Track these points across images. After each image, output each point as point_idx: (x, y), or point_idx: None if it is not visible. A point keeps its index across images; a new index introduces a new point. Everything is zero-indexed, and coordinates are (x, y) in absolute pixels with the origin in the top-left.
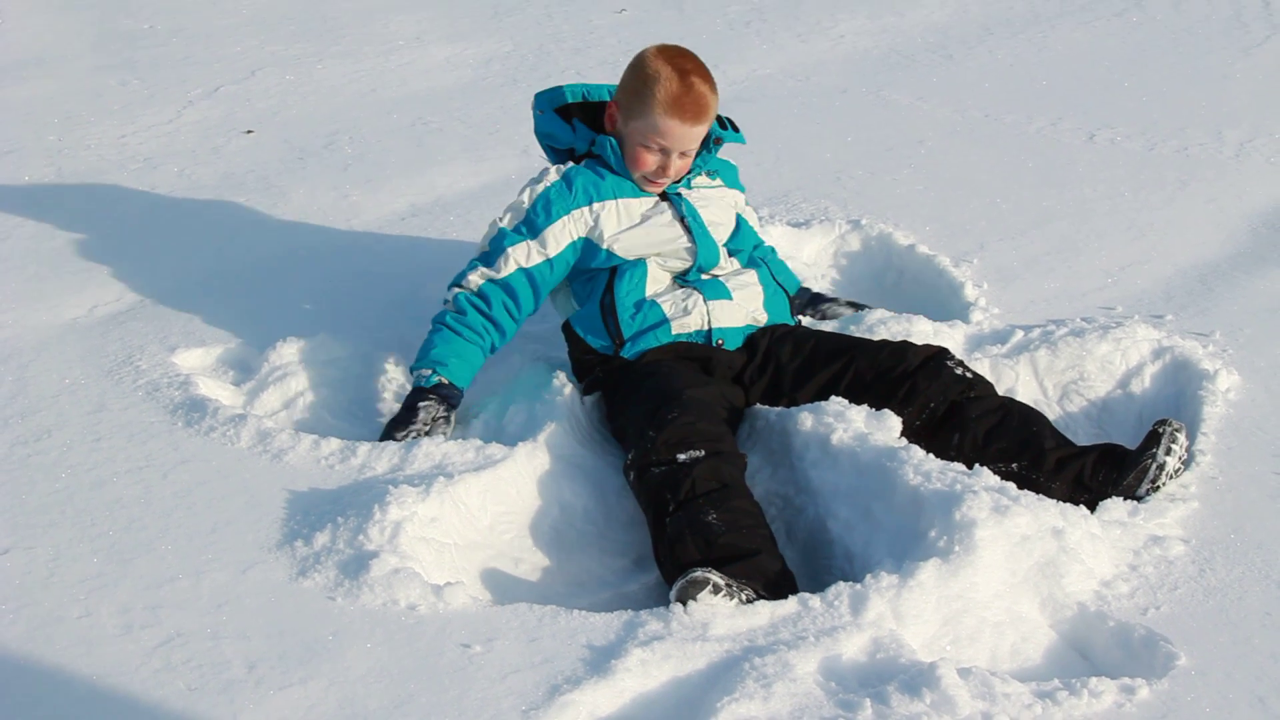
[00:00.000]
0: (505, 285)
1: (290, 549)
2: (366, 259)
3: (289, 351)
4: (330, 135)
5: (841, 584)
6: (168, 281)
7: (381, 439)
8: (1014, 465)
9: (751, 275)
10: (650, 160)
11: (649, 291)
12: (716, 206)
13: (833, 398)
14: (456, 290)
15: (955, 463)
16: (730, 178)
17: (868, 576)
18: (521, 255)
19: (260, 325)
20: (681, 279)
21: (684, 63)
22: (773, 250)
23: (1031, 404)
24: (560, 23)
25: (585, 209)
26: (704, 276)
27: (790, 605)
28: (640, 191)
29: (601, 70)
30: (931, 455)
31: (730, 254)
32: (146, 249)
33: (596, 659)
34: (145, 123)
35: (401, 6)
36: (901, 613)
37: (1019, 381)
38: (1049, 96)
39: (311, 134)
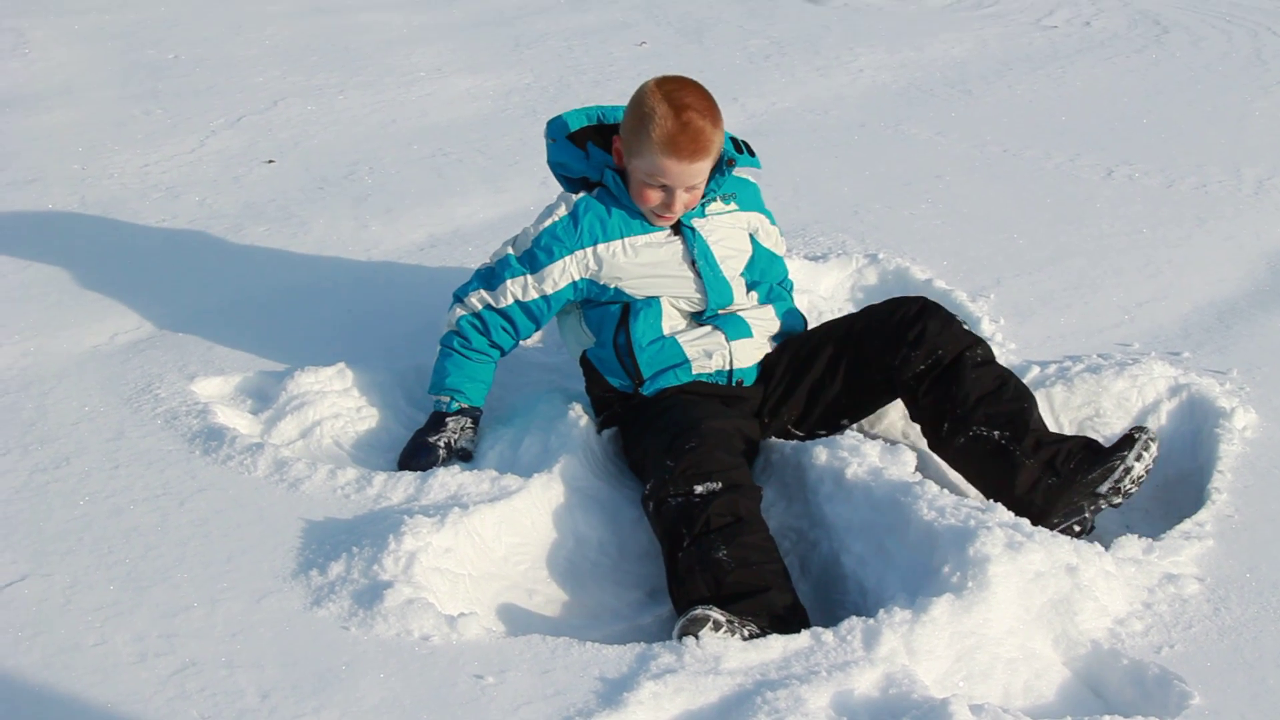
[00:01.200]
0: (503, 314)
1: (305, 578)
2: (385, 290)
3: (307, 381)
4: (351, 165)
5: (854, 618)
6: (188, 310)
7: (400, 461)
8: (995, 433)
9: (769, 310)
10: (654, 197)
11: (666, 329)
12: (730, 234)
13: (847, 432)
14: (459, 311)
15: (967, 500)
16: (747, 199)
17: (881, 611)
18: (518, 289)
19: (279, 355)
20: (698, 316)
21: (682, 96)
22: (791, 285)
23: None
24: (580, 55)
25: (589, 250)
26: (721, 313)
27: (803, 639)
28: (650, 226)
29: (621, 102)
30: (945, 492)
31: (750, 286)
32: (167, 278)
33: (609, 691)
34: (168, 152)
35: (423, 38)
36: (914, 648)
37: None
38: (1067, 132)
39: (332, 164)
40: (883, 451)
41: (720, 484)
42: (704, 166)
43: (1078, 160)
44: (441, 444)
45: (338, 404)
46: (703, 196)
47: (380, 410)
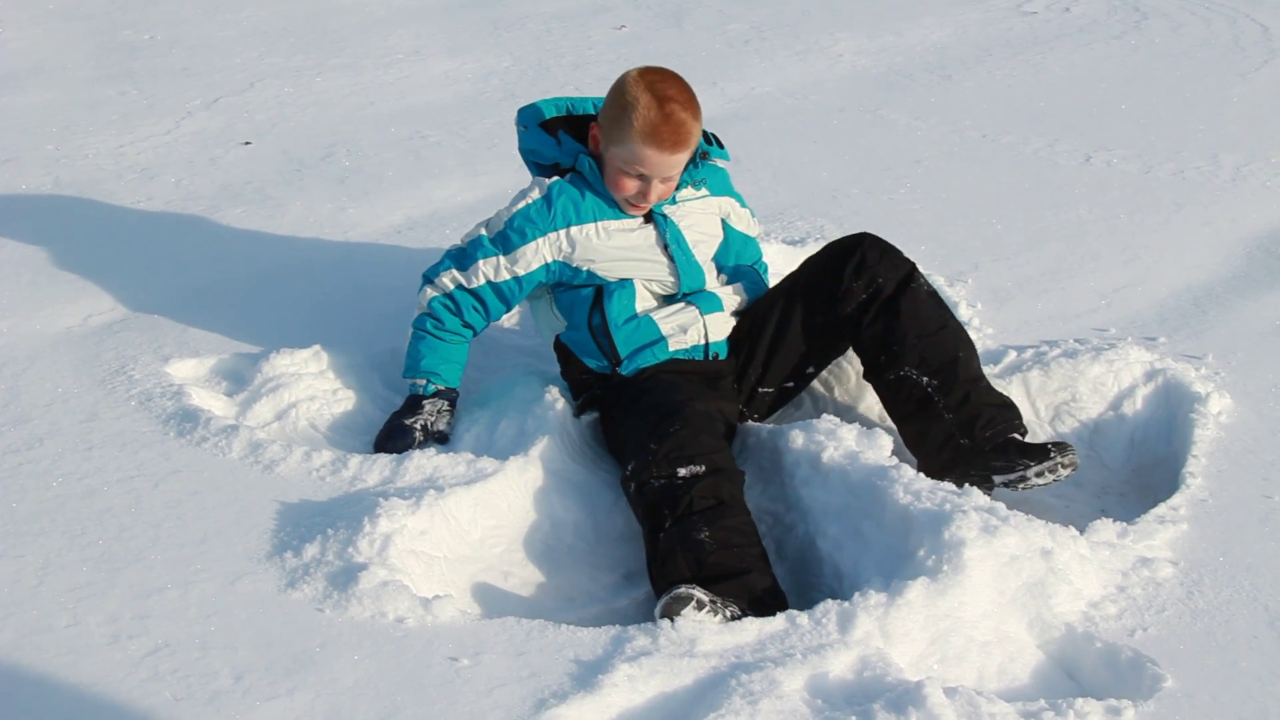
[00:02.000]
0: (474, 294)
1: (280, 560)
2: (362, 272)
3: (282, 363)
4: (328, 148)
5: (830, 602)
6: (163, 292)
7: (377, 444)
8: (924, 380)
9: (738, 287)
10: (630, 185)
11: (639, 309)
12: (701, 220)
13: (824, 416)
14: (430, 292)
15: (944, 483)
16: (717, 184)
17: (856, 595)
18: (490, 270)
19: (254, 336)
20: (670, 299)
21: (665, 88)
22: (765, 268)
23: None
24: (559, 38)
25: (562, 233)
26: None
27: (778, 622)
28: (622, 213)
29: (600, 86)
30: (921, 475)
31: (723, 270)
32: (142, 259)
33: (584, 674)
34: (143, 133)
35: (401, 20)
36: (889, 631)
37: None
38: (1046, 118)
39: (309, 146)
40: (859, 435)
41: (703, 467)
42: (683, 158)
43: (1056, 146)
44: (418, 426)
45: (313, 386)
46: (676, 187)
47: (356, 393)
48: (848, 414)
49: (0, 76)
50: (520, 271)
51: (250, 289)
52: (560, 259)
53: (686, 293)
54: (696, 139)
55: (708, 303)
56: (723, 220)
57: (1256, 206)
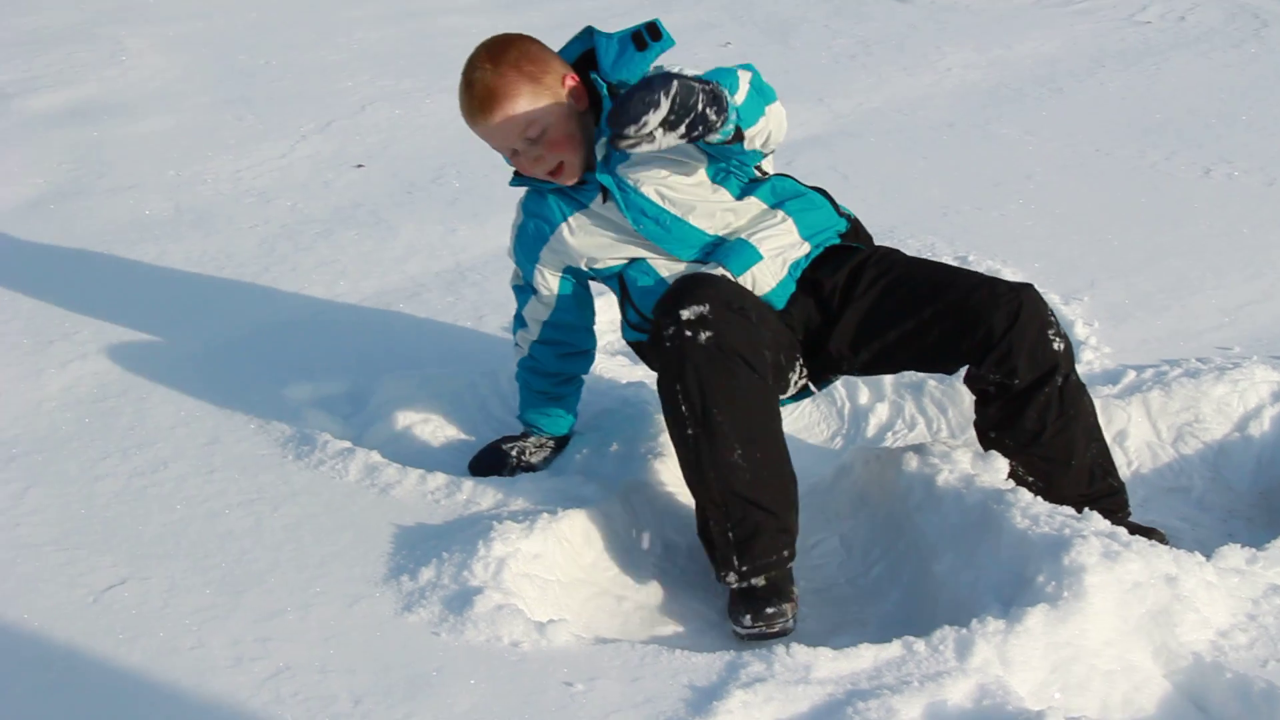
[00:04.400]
0: (544, 340)
1: (396, 583)
2: (473, 293)
3: (397, 385)
4: (438, 170)
5: (947, 628)
6: (279, 315)
7: (473, 460)
8: (1030, 479)
9: (777, 215)
10: (516, 164)
11: (665, 274)
12: (661, 160)
13: (936, 440)
14: (517, 353)
15: (1062, 506)
16: None
17: (974, 621)
18: (533, 313)
19: (368, 359)
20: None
21: (476, 55)
22: (792, 184)
23: (1145, 446)
24: (668, 55)
25: (545, 247)
26: (725, 239)
27: (895, 649)
28: (575, 199)
29: None
30: (1039, 499)
31: (734, 184)
32: (259, 283)
33: (698, 700)
34: (259, 157)
35: None
36: (1009, 659)
37: (1131, 423)
38: (1162, 130)
39: (420, 168)
40: (974, 458)
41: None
42: (512, 117)
43: (1173, 159)
44: (514, 453)
45: (428, 408)
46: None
47: (469, 414)
48: (962, 434)
49: (123, 104)
50: (551, 298)
51: (364, 311)
52: (565, 268)
53: (696, 259)
54: (522, 93)
55: (739, 258)
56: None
57: None
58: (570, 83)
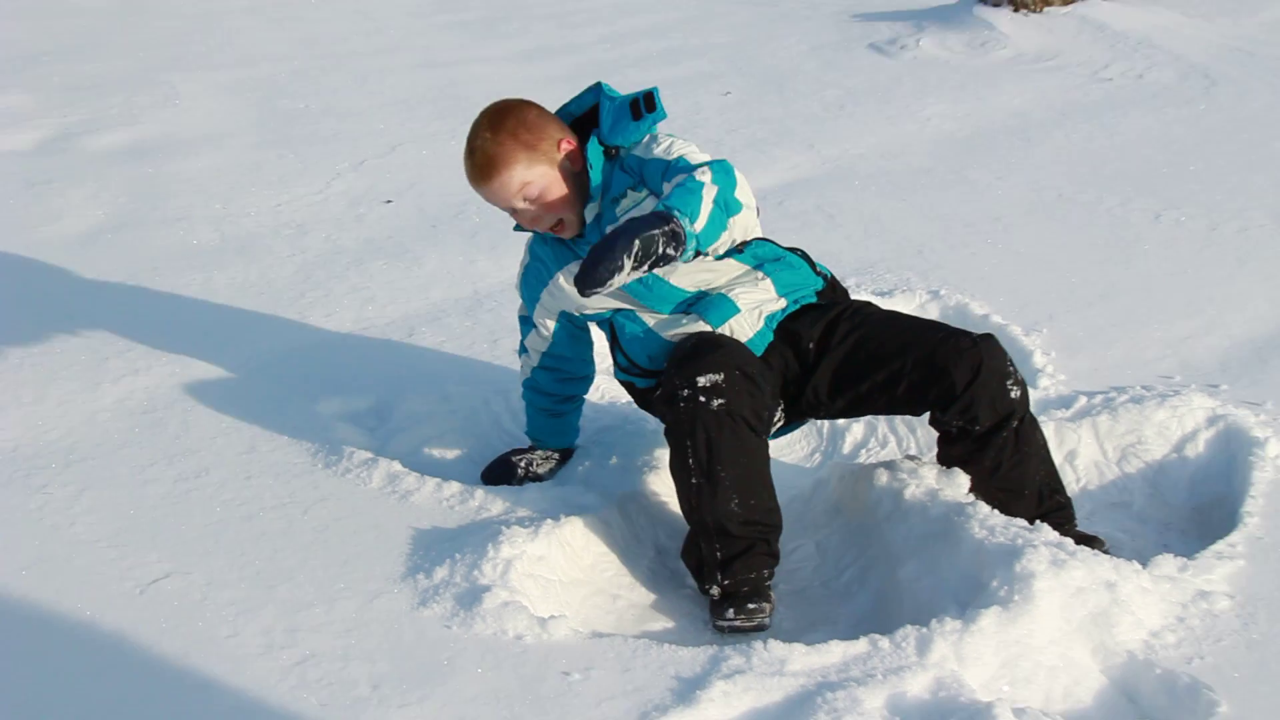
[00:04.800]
0: (543, 367)
1: (413, 581)
2: (489, 318)
3: (418, 401)
4: (460, 206)
5: (909, 627)
6: (312, 337)
7: (485, 470)
8: (992, 507)
9: (756, 274)
10: (519, 220)
11: (652, 324)
12: None
13: (904, 458)
14: (521, 374)
15: (1016, 519)
16: (653, 174)
17: (933, 621)
18: (533, 344)
19: (393, 377)
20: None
21: (478, 121)
22: (772, 248)
23: (1092, 465)
24: (672, 104)
25: (545, 291)
26: (707, 294)
27: (861, 645)
28: (569, 251)
29: (708, 147)
30: (995, 512)
31: (715, 258)
32: (295, 307)
33: (683, 689)
34: (298, 193)
35: (528, 89)
36: (963, 655)
37: (1081, 443)
38: (1119, 178)
39: (444, 205)
40: (939, 474)
41: (722, 375)
42: (508, 183)
43: (1129, 204)
44: (522, 464)
45: (444, 423)
46: (609, 201)
47: (482, 430)
48: (928, 452)
49: (177, 143)
50: (549, 335)
51: (390, 334)
52: (559, 314)
53: (678, 311)
54: (518, 159)
55: (718, 311)
56: None
57: None
58: (567, 146)
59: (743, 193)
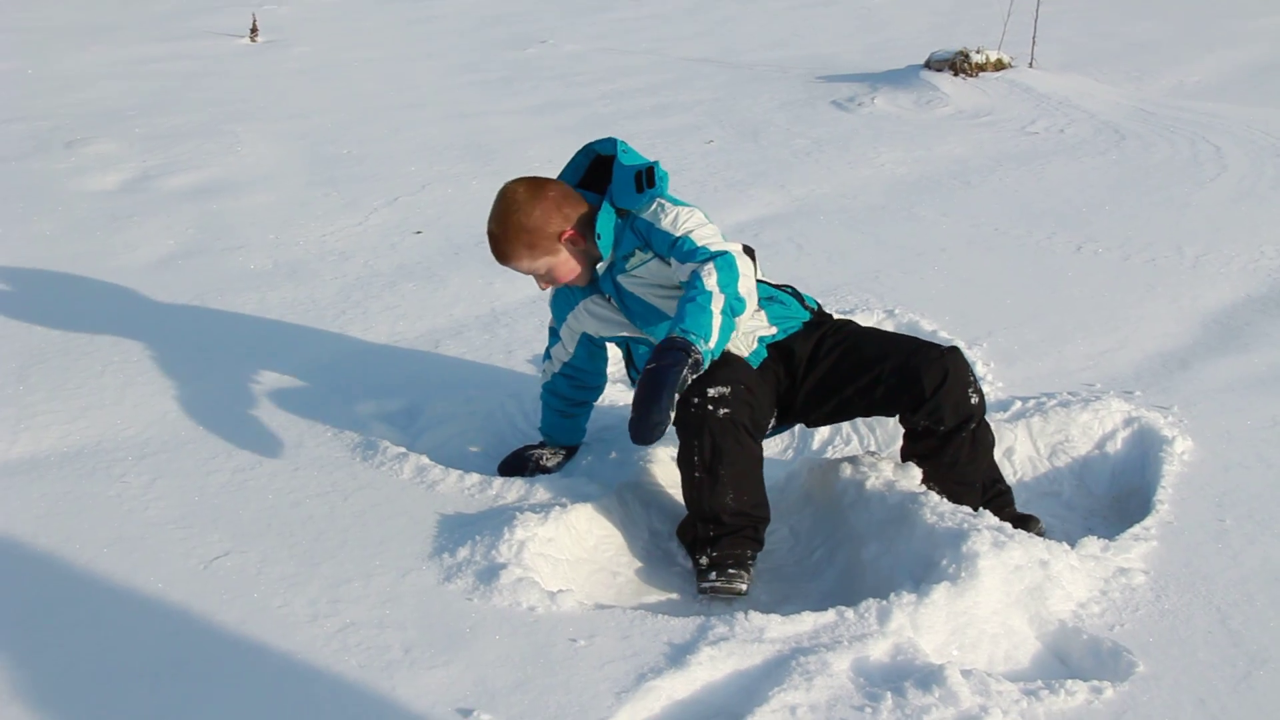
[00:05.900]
0: (562, 374)
1: (439, 560)
2: (505, 333)
3: (443, 403)
4: (480, 236)
5: (870, 600)
6: (352, 347)
7: (501, 463)
8: (947, 499)
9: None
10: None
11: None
12: (653, 274)
13: (867, 452)
14: (541, 378)
15: (963, 506)
16: (660, 243)
17: (891, 594)
18: (557, 354)
19: (421, 382)
20: None
21: (492, 210)
22: (765, 288)
23: (1027, 460)
24: (661, 151)
25: (571, 314)
26: None
27: (830, 616)
28: (584, 290)
29: (693, 190)
30: (945, 500)
31: None
32: (337, 322)
33: (675, 654)
34: (341, 225)
35: (539, 137)
36: (918, 624)
37: (1017, 441)
38: (1045, 216)
39: (466, 234)
40: (895, 467)
41: (729, 388)
42: (517, 267)
43: (1053, 238)
44: (533, 458)
45: (466, 423)
46: (620, 257)
47: (499, 428)
48: (887, 448)
49: (238, 183)
50: (571, 351)
51: (420, 346)
52: (581, 334)
53: None
54: (522, 244)
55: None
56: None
57: (1213, 287)
58: (568, 234)
59: (745, 285)
